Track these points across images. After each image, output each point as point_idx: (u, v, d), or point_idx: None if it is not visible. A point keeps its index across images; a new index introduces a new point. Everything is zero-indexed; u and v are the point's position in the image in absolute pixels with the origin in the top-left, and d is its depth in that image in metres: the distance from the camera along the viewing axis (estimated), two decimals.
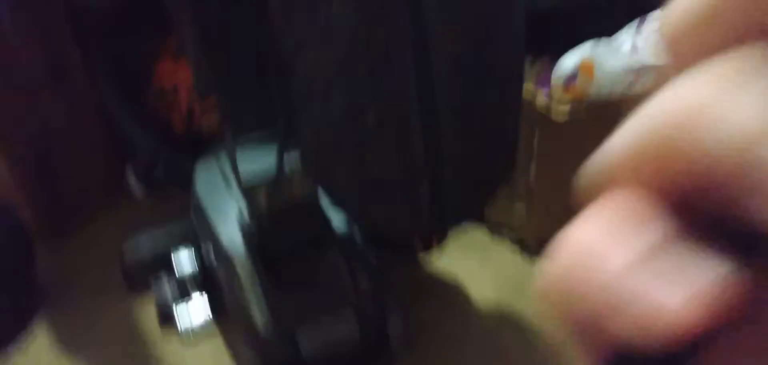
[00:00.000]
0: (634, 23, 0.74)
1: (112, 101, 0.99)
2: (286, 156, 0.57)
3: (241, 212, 0.70)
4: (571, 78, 0.72)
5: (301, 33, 0.46)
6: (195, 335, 0.81)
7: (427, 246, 0.77)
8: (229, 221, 0.70)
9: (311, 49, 0.46)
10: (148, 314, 0.85)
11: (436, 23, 0.45)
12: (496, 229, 0.91)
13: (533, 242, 0.85)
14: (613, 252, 0.09)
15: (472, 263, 0.87)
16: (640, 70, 0.70)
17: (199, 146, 0.87)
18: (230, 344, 0.77)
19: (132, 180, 1.07)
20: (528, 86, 0.75)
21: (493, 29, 0.48)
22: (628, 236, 0.09)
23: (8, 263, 0.82)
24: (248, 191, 0.61)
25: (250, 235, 0.67)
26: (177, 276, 0.82)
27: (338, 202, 0.58)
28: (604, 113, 0.71)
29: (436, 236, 0.74)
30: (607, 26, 0.74)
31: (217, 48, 0.49)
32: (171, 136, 1.04)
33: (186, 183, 0.83)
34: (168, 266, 0.82)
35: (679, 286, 0.09)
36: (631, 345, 0.09)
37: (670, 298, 0.09)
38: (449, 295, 0.83)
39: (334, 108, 0.48)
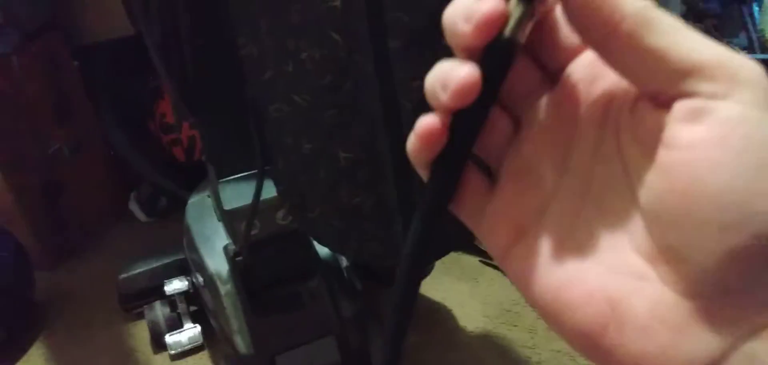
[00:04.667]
0: None
1: (116, 135, 1.03)
2: (270, 187, 0.60)
3: (228, 242, 0.72)
4: None
5: (269, 80, 0.48)
6: (186, 358, 0.83)
7: None
8: (217, 250, 0.72)
9: (280, 95, 0.49)
10: (141, 335, 0.87)
11: (401, 69, 0.47)
12: (487, 257, 0.93)
13: None
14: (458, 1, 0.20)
15: (462, 290, 0.88)
16: None
17: (199, 175, 0.90)
18: None
19: (134, 207, 1.11)
20: None
21: None
22: None
23: (6, 294, 0.85)
24: (229, 221, 0.63)
25: (235, 263, 0.69)
26: (169, 305, 0.85)
27: (316, 236, 0.60)
28: None
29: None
30: None
31: (193, 93, 0.52)
32: (173, 166, 1.07)
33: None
34: (161, 294, 0.85)
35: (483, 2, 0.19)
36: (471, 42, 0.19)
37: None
38: (437, 322, 0.84)
39: (305, 150, 0.50)
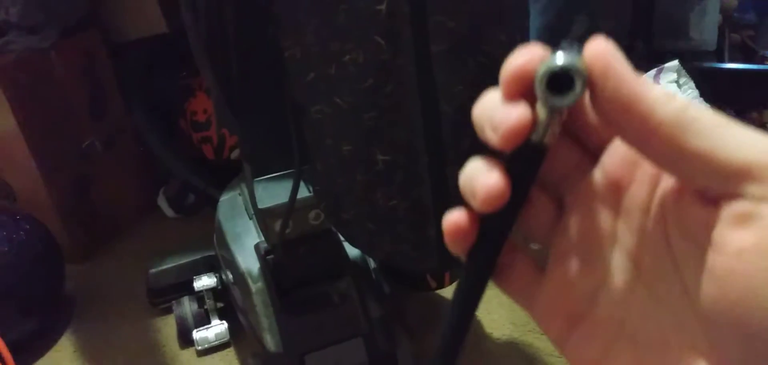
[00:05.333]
0: (652, 72, 0.75)
1: (147, 132, 1.04)
2: (304, 186, 0.61)
3: (259, 240, 0.73)
4: None
5: (312, 81, 0.49)
6: (212, 354, 0.84)
7: (440, 282, 0.78)
8: (248, 248, 0.73)
9: (322, 97, 0.49)
10: (168, 330, 0.88)
11: (443, 74, 0.47)
12: None
13: None
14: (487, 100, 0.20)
15: (489, 297, 0.87)
16: None
17: (228, 173, 0.91)
18: (245, 363, 0.80)
19: (163, 203, 1.12)
20: None
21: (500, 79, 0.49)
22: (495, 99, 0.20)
23: (37, 285, 0.86)
24: (263, 219, 0.64)
25: (266, 262, 0.70)
26: (197, 301, 0.85)
27: (349, 238, 0.60)
28: None
29: (447, 272, 0.76)
30: None
31: (236, 93, 0.52)
32: (202, 164, 1.09)
33: (214, 208, 0.87)
34: (190, 290, 0.86)
35: (509, 113, 0.19)
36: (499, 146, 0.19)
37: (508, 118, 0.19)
38: None
39: (344, 152, 0.51)
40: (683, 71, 0.72)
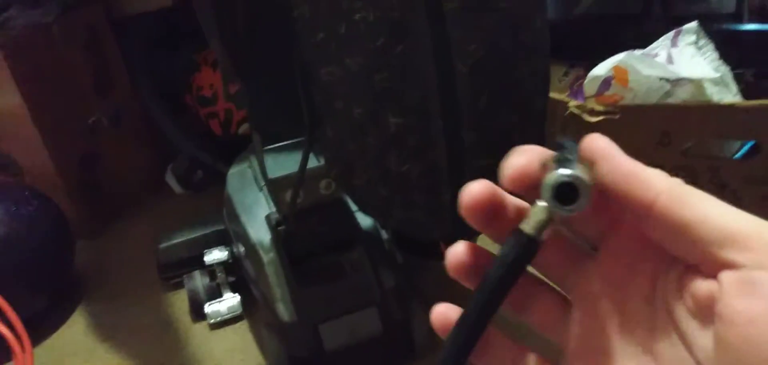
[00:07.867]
0: (670, 34, 0.73)
1: (153, 107, 1.03)
2: (313, 156, 0.60)
3: (270, 211, 0.72)
4: (605, 85, 0.71)
5: (321, 42, 0.47)
6: (225, 327, 0.83)
7: None
8: (259, 219, 0.72)
9: (332, 58, 0.48)
10: (180, 304, 0.88)
11: (457, 31, 0.46)
12: None
13: None
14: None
15: None
16: (675, 81, 0.68)
17: (236, 148, 0.90)
18: (258, 335, 0.80)
19: (171, 180, 1.12)
20: (561, 94, 0.75)
21: (517, 36, 0.48)
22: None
23: (48, 261, 0.86)
24: (274, 189, 0.63)
25: (277, 232, 0.69)
26: (209, 275, 0.85)
27: (360, 204, 0.59)
28: (636, 121, 0.70)
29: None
30: (641, 35, 0.73)
31: (244, 58, 0.51)
32: (210, 139, 1.08)
33: (223, 184, 0.86)
34: (201, 264, 0.85)
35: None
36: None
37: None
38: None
39: (355, 116, 0.49)
40: (702, 33, 0.70)
